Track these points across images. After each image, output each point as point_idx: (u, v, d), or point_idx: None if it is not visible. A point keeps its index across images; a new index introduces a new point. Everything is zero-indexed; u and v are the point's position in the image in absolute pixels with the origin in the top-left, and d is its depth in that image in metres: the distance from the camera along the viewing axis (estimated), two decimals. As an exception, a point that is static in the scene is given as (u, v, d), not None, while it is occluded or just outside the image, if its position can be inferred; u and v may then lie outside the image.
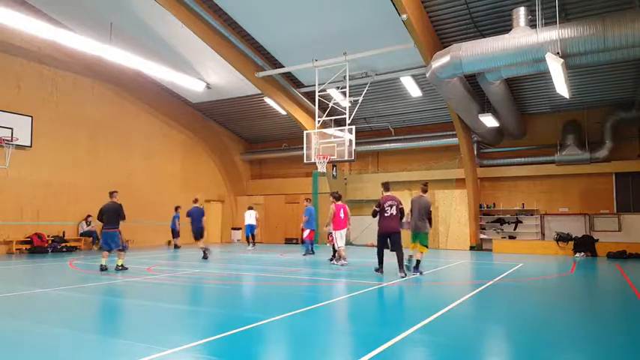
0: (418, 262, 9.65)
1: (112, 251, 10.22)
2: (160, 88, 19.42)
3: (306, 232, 14.25)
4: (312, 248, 14.36)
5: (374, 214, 9.77)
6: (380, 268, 9.69)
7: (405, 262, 9.47)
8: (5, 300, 6.71)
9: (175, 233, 17.83)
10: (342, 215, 11.55)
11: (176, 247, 17.74)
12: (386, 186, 9.99)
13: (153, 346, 4.21)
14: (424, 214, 9.54)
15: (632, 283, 8.94)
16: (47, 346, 4.41)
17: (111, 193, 10.54)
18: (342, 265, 11.29)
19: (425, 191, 9.83)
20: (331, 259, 12.15)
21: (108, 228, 10.15)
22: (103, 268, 9.98)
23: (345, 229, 11.68)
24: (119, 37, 14.81)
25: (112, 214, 10.15)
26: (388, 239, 9.57)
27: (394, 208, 9.51)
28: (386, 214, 9.57)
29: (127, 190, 17.84)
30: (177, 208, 17.89)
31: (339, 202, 11.73)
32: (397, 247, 9.45)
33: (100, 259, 10.71)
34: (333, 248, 12.08)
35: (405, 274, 9.29)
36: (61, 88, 16.02)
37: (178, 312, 6.12)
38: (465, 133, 16.77)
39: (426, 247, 9.61)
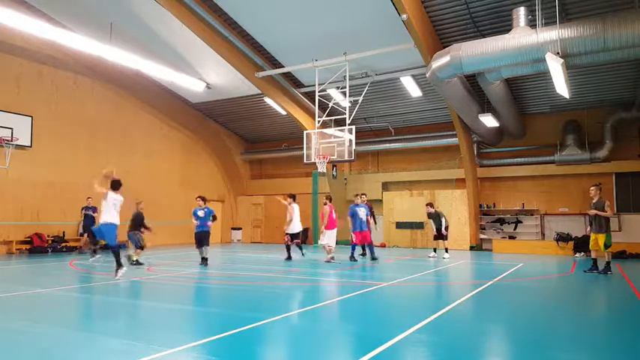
0: (607, 262, 10.13)
1: None
2: (160, 88, 19.41)
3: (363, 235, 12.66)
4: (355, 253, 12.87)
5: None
6: (363, 252, 13.48)
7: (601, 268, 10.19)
8: (5, 300, 6.71)
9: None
10: (334, 216, 12.39)
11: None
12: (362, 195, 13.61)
13: (153, 346, 4.21)
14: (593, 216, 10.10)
15: (632, 283, 8.95)
16: (47, 346, 4.41)
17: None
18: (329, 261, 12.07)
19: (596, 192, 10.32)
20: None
21: None
22: None
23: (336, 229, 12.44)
24: (119, 37, 14.80)
25: None
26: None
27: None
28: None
29: (127, 190, 17.85)
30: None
31: (331, 204, 12.65)
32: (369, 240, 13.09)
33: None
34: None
35: (364, 256, 13.29)
36: (61, 88, 16.01)
37: (178, 312, 6.13)
38: (465, 133, 16.76)
39: (608, 246, 9.98)
